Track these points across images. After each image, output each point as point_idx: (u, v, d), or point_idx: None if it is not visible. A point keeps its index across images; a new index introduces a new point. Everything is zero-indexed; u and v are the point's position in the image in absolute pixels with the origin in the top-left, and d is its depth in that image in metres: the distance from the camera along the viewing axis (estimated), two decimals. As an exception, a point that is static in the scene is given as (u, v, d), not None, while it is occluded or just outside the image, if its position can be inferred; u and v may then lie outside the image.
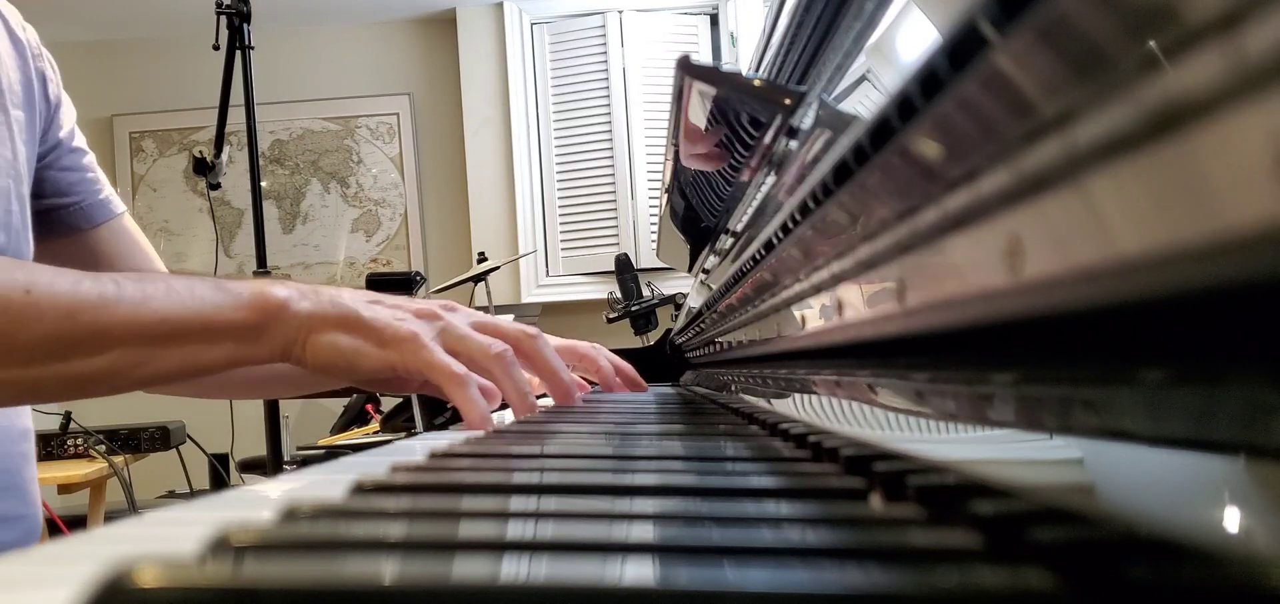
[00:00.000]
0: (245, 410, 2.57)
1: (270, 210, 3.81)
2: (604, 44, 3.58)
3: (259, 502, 0.36)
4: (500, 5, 3.64)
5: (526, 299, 3.55)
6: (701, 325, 1.10)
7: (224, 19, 2.16)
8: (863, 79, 0.44)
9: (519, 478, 0.34)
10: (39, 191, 0.91)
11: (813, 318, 0.45)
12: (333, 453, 2.31)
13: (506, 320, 0.77)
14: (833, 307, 0.40)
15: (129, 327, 0.61)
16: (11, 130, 0.84)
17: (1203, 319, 0.17)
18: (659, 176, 3.34)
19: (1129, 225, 0.16)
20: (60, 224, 0.93)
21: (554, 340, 0.83)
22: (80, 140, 0.96)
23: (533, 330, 0.75)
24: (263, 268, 2.22)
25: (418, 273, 2.97)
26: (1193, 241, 0.14)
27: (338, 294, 0.68)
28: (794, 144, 0.53)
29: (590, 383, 0.96)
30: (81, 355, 0.60)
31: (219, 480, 2.80)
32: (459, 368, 0.65)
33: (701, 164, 0.75)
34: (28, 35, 0.90)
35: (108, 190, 0.97)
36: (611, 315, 2.58)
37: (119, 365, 0.61)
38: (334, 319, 0.66)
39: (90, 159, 0.97)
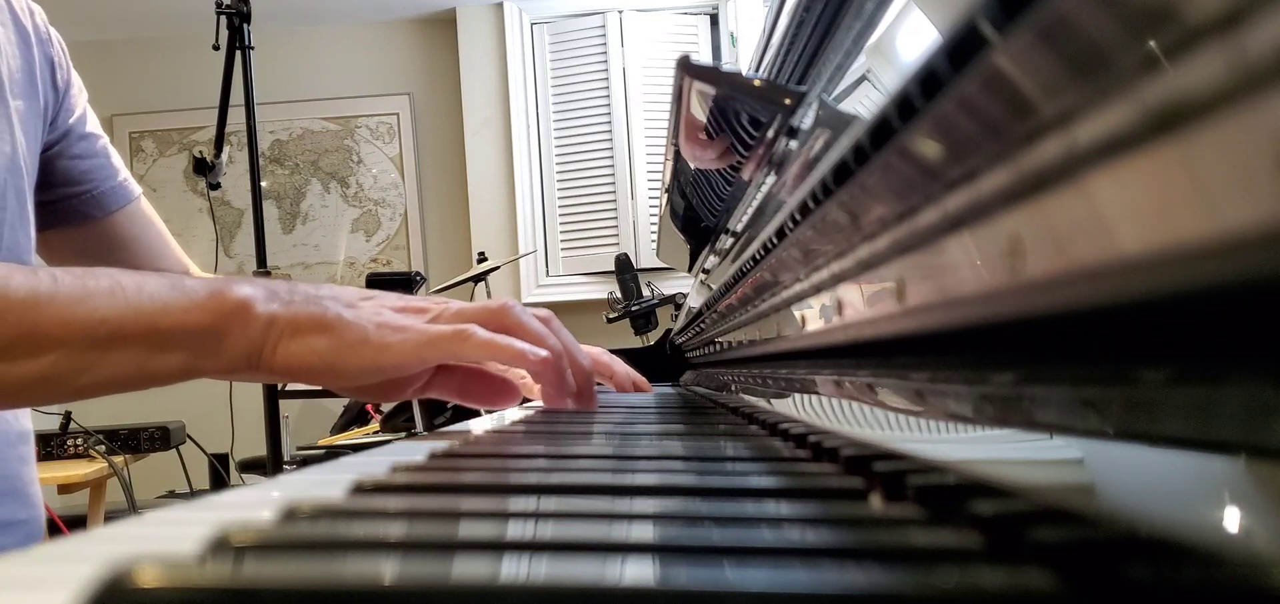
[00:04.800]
0: (245, 410, 2.57)
1: (270, 210, 3.81)
2: (604, 44, 3.58)
3: (259, 502, 0.36)
4: (500, 5, 3.64)
5: (526, 299, 3.55)
6: (701, 325, 1.10)
7: (224, 19, 2.16)
8: (863, 79, 0.44)
9: (519, 478, 0.34)
10: (49, 180, 0.87)
11: (813, 318, 0.45)
12: (333, 453, 2.30)
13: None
14: (833, 306, 0.40)
15: (66, 327, 0.54)
16: (11, 122, 0.81)
17: (1203, 319, 0.17)
18: (659, 176, 3.34)
19: (1129, 225, 0.16)
20: (73, 213, 0.89)
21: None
22: (93, 125, 0.92)
23: (508, 300, 0.67)
24: (263, 268, 2.22)
25: (418, 273, 2.97)
26: (1193, 242, 0.14)
27: (314, 293, 0.61)
28: (794, 144, 0.53)
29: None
30: (12, 358, 0.54)
31: (219, 480, 2.81)
32: (457, 326, 0.60)
33: (701, 164, 0.75)
34: (35, 20, 0.86)
35: (123, 174, 0.93)
36: (611, 315, 2.57)
37: (57, 371, 0.55)
38: (308, 322, 0.59)
39: (103, 144, 0.93)
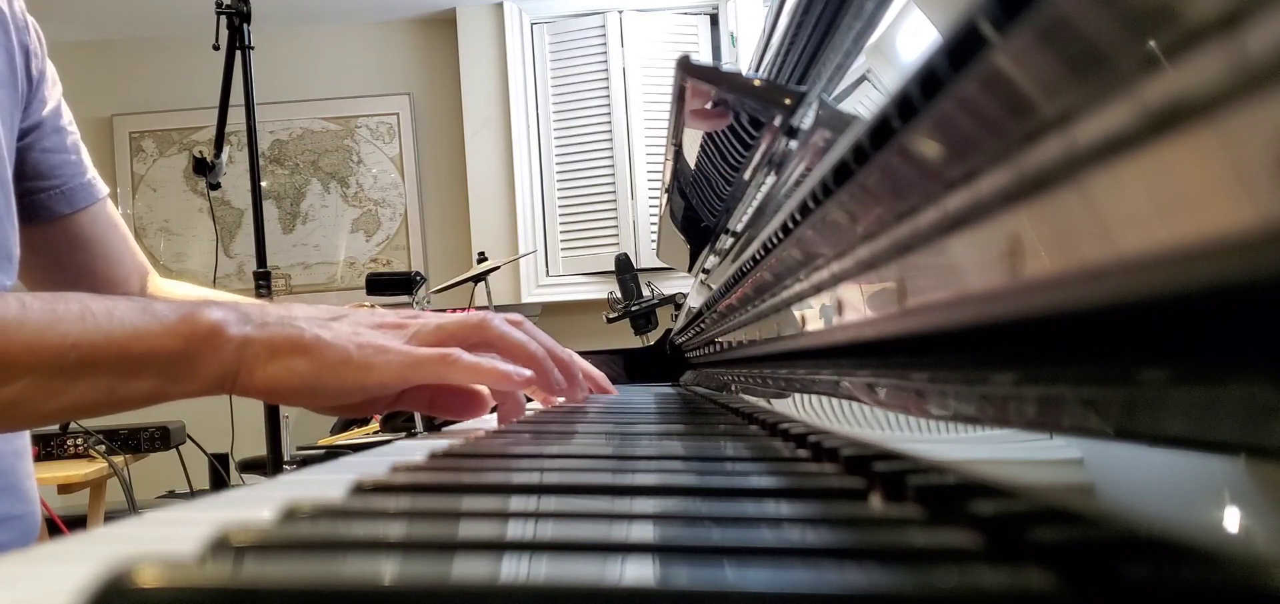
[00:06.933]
0: (245, 410, 2.57)
1: (270, 210, 3.81)
2: (604, 44, 3.58)
3: (259, 502, 0.36)
4: (500, 5, 3.64)
5: (526, 299, 3.55)
6: (701, 325, 1.10)
7: (224, 19, 2.16)
8: (863, 79, 0.44)
9: (519, 478, 0.34)
10: (19, 173, 0.85)
11: (813, 318, 0.45)
12: (333, 453, 2.30)
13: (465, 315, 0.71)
14: (833, 306, 0.40)
15: (36, 353, 0.54)
16: None
17: (1203, 319, 0.17)
18: (659, 176, 3.34)
19: (1129, 225, 0.16)
20: (41, 208, 0.88)
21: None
22: (66, 118, 0.91)
23: (485, 314, 0.68)
24: (263, 268, 2.22)
25: (418, 273, 2.97)
26: (1193, 241, 0.14)
27: (287, 315, 0.61)
28: (794, 144, 0.53)
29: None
30: None
31: (219, 480, 2.80)
32: (442, 349, 0.61)
33: (701, 164, 0.75)
34: (13, 7, 0.84)
35: (91, 173, 0.92)
36: (611, 315, 2.57)
37: (26, 396, 0.54)
38: (286, 344, 0.59)
39: (74, 139, 0.91)
